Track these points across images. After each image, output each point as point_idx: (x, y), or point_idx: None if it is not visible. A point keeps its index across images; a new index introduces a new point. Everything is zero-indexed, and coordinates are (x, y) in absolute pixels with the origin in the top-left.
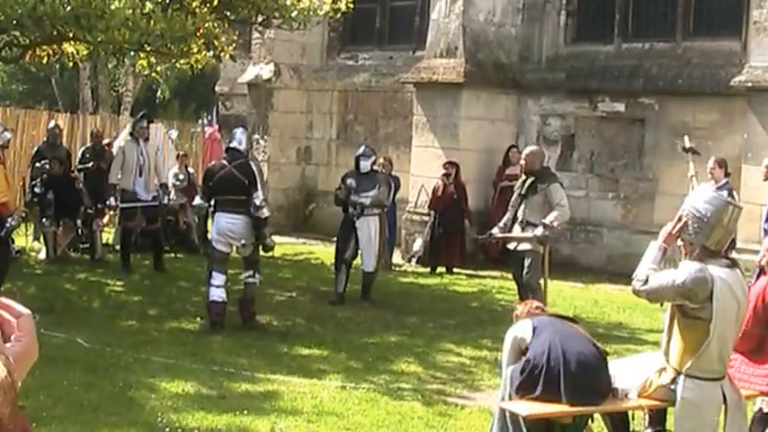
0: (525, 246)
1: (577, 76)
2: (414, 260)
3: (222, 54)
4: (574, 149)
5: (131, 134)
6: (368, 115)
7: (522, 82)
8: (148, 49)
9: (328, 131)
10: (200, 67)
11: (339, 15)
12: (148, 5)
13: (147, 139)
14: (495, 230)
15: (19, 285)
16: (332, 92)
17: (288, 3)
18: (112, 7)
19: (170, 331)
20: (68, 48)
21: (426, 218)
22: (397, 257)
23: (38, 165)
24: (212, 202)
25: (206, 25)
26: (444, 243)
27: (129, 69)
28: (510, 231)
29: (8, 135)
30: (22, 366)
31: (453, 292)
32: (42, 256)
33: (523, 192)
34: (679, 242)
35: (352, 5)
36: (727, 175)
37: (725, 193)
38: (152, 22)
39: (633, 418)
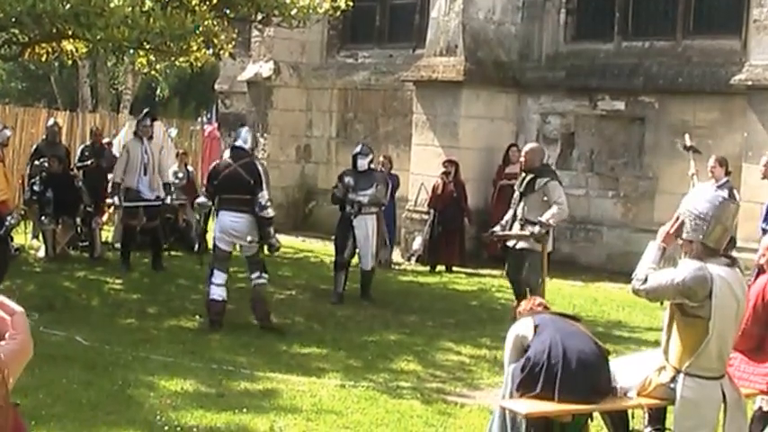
0: (524, 244)
1: (577, 74)
2: (413, 259)
3: (222, 52)
4: (574, 148)
5: (135, 133)
6: (367, 113)
7: (521, 80)
8: (148, 46)
9: (328, 129)
10: (199, 65)
11: (339, 13)
12: (148, 3)
13: (150, 138)
14: (497, 228)
15: (18, 283)
16: (331, 90)
17: (287, 1)
18: (112, 5)
19: (169, 329)
20: (68, 45)
21: (426, 216)
22: (396, 256)
23: (37, 163)
24: (215, 201)
25: (205, 23)
26: (444, 242)
27: (128, 67)
28: (510, 229)
29: (7, 133)
30: (16, 364)
31: (453, 291)
32: (41, 254)
33: (522, 189)
34: (679, 241)
35: (351, 3)
36: (727, 173)
37: (725, 191)
38: (151, 19)
39: (633, 417)
